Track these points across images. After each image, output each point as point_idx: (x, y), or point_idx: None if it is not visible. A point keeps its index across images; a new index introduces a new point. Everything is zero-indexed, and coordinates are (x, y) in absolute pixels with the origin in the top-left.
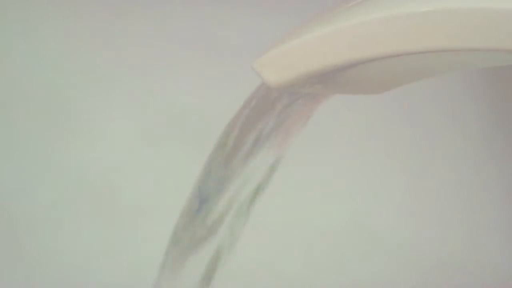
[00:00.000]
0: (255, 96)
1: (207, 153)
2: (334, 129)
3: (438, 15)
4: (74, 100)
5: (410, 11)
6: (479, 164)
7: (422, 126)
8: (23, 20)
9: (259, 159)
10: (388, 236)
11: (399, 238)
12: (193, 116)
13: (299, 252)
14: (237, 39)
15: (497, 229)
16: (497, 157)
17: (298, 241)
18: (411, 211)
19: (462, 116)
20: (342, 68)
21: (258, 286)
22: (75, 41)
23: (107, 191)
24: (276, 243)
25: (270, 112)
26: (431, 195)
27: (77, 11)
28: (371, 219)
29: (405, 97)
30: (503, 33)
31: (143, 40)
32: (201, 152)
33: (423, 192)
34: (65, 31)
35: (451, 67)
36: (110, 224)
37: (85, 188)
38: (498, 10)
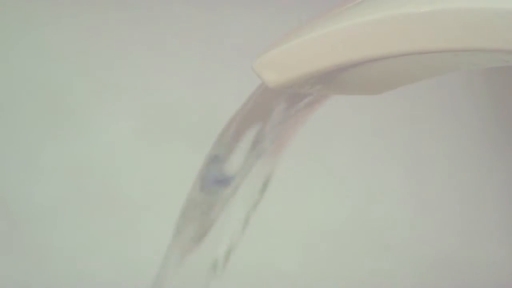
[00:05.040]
0: (254, 96)
1: (206, 150)
2: (333, 127)
3: (438, 15)
4: (73, 98)
5: (410, 11)
6: (479, 163)
7: (422, 124)
8: (22, 19)
9: (260, 158)
10: (388, 234)
11: (399, 236)
12: (192, 114)
13: (299, 250)
14: (237, 39)
15: (497, 227)
16: (498, 156)
17: (298, 239)
18: (411, 209)
19: (463, 115)
20: (342, 68)
21: (258, 285)
22: (74, 39)
23: (107, 188)
24: (276, 241)
25: (269, 112)
26: (431, 194)
27: (76, 10)
28: (371, 218)
29: (405, 96)
30: (503, 34)
31: (142, 39)
32: (200, 150)
33: (423, 190)
34: (63, 29)
35: (451, 67)
36: (109, 221)
37: (85, 185)
38: (498, 10)
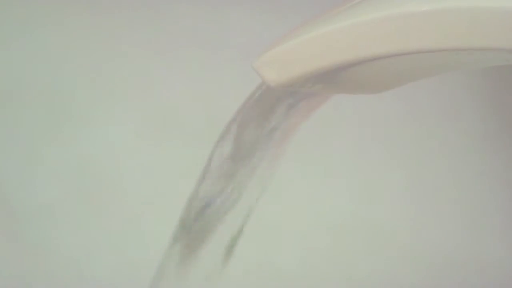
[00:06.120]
0: (255, 95)
1: (208, 150)
2: (335, 126)
3: (438, 14)
4: (75, 96)
5: (410, 10)
6: (480, 163)
7: (423, 123)
8: (23, 19)
9: (261, 158)
10: (389, 233)
11: (400, 235)
12: (193, 113)
13: (299, 250)
14: (237, 38)
15: (498, 227)
16: (498, 155)
17: (298, 239)
18: (412, 208)
19: (463, 114)
20: (343, 67)
21: (259, 283)
22: (76, 38)
23: (108, 187)
24: (277, 240)
25: (270, 111)
26: (432, 193)
27: (77, 9)
28: (372, 217)
29: (407, 95)
30: (503, 33)
31: (144, 38)
32: (202, 149)
33: (424, 189)
34: (65, 29)
35: (452, 66)
36: (110, 220)
37: (86, 183)
38: (498, 10)
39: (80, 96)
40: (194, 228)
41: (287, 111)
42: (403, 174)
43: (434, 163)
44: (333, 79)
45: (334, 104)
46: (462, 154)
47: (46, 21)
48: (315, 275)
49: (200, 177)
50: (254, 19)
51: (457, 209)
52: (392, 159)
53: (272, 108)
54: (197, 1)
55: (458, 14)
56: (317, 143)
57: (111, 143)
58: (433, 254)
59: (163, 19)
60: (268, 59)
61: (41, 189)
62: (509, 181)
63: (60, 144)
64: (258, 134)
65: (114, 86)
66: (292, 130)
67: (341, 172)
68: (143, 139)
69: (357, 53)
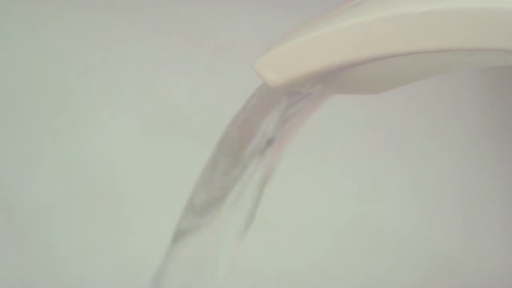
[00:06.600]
0: (256, 96)
1: (208, 149)
2: (335, 126)
3: (438, 15)
4: (75, 95)
5: (410, 11)
6: (481, 162)
7: (425, 123)
8: (24, 16)
9: (262, 157)
10: (390, 232)
11: (400, 234)
12: (194, 113)
13: (301, 250)
14: (238, 38)
15: (500, 227)
16: (500, 155)
17: (300, 238)
18: (414, 208)
19: (465, 113)
20: (343, 68)
21: (259, 283)
22: (76, 36)
23: (108, 186)
24: (277, 240)
25: (271, 112)
26: (434, 192)
27: (78, 7)
28: (373, 216)
29: (407, 94)
30: (503, 33)
31: (144, 36)
32: (202, 148)
33: (426, 189)
34: (66, 27)
35: (452, 67)
36: (110, 220)
37: (86, 183)
38: (498, 10)
39: (80, 96)
40: (193, 228)
41: (287, 111)
42: (404, 174)
43: (434, 163)
44: (333, 79)
45: (334, 104)
46: (462, 154)
47: (46, 21)
48: (316, 275)
49: (200, 177)
50: (255, 19)
51: (458, 209)
52: (393, 159)
53: (272, 109)
54: (197, 1)
55: (458, 14)
56: (317, 142)
57: (112, 143)
58: (434, 254)
59: (164, 19)
60: (268, 59)
61: (41, 189)
62: (511, 181)
63: (60, 144)
64: (259, 134)
65: (115, 86)
66: (293, 130)
67: (342, 171)
68: (143, 139)
69: (357, 53)
